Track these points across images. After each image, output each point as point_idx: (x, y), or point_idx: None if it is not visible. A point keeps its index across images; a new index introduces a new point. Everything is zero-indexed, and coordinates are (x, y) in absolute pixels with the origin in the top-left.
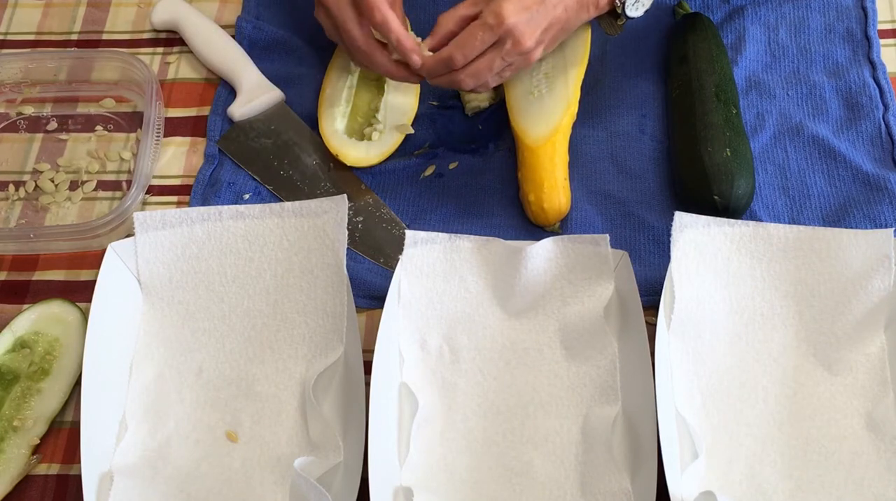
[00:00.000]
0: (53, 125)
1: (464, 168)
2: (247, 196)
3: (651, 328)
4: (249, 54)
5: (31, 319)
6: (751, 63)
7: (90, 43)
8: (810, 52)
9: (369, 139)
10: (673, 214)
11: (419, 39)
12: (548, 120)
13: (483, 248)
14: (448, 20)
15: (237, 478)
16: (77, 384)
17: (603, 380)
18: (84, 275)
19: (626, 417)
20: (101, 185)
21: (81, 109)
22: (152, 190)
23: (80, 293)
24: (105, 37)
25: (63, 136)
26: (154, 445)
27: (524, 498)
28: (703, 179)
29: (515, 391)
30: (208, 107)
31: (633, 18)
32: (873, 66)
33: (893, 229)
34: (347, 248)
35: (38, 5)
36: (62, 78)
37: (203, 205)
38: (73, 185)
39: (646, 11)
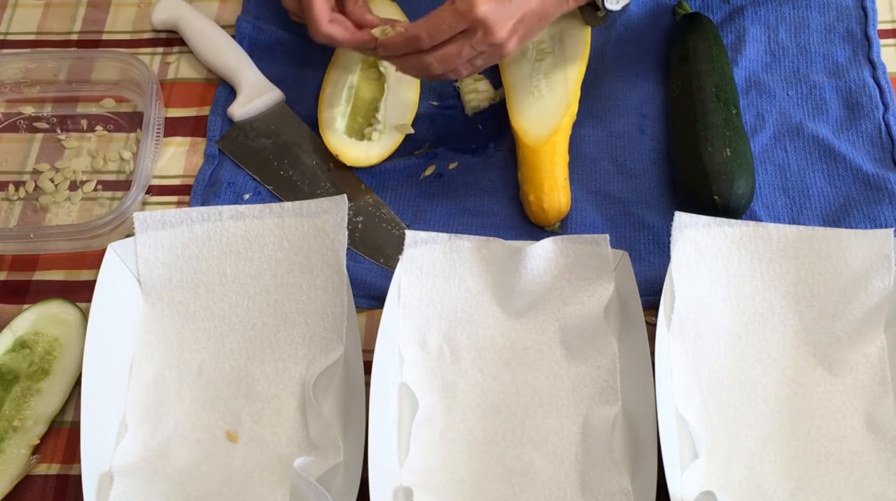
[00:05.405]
0: (53, 125)
1: (464, 168)
2: (247, 196)
3: (651, 328)
4: (249, 54)
5: (31, 319)
6: (751, 63)
7: (90, 43)
8: (810, 52)
9: (369, 139)
10: (673, 214)
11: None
12: (548, 120)
13: (483, 248)
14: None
15: (237, 478)
16: (77, 384)
17: (603, 380)
18: (84, 275)
19: (626, 417)
20: (101, 185)
21: (81, 109)
22: (152, 190)
23: (80, 293)
24: (105, 37)
25: (63, 136)
26: (154, 445)
27: (524, 498)
28: (703, 179)
29: (515, 391)
30: (208, 107)
31: (612, 12)
32: (873, 66)
33: (893, 229)
34: (347, 248)
35: (38, 5)
36: (62, 78)
37: (203, 205)
38: (73, 185)
39: (624, 7)
